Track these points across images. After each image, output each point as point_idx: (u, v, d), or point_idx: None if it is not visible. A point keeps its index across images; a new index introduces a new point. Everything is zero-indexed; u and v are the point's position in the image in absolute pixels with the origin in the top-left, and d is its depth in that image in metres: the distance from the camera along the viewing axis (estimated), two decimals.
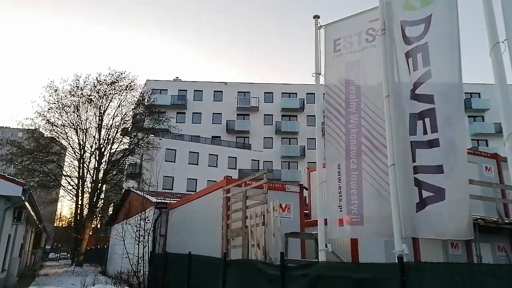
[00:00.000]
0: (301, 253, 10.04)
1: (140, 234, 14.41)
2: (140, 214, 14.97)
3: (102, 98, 33.01)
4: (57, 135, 32.14)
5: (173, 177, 39.79)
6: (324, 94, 7.07)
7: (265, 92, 49.66)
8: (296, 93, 49.53)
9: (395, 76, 5.63)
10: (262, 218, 7.53)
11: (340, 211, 6.09)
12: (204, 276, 9.57)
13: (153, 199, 15.47)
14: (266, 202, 7.61)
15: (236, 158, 44.30)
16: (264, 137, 47.74)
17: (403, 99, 5.46)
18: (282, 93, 49.58)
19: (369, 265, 4.94)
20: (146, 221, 14.57)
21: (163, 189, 33.88)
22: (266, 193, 7.67)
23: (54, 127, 31.74)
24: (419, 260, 7.92)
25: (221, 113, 48.62)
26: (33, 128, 31.57)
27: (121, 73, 33.69)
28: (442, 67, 5.20)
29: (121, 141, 35.51)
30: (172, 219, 14.27)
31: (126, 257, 14.92)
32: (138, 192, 18.35)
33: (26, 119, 32.57)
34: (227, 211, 9.33)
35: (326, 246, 6.02)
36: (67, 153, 34.19)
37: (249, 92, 49.63)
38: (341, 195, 6.13)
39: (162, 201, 15.19)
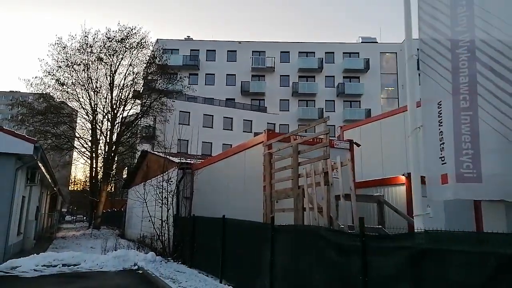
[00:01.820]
0: (352, 219, 8.74)
1: (164, 196, 13.29)
2: (162, 175, 13.79)
3: (113, 56, 31.27)
4: (68, 95, 30.79)
5: (187, 140, 38.74)
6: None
7: (281, 52, 47.23)
8: (314, 52, 47.02)
9: None
10: (324, 176, 6.13)
11: (443, 163, 4.62)
12: (242, 243, 8.37)
13: (176, 160, 14.22)
14: (328, 157, 6.18)
15: (251, 121, 42.73)
16: (280, 99, 45.91)
17: None
18: (299, 52, 47.10)
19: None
20: (169, 182, 13.40)
21: (177, 152, 32.87)
22: (328, 146, 6.21)
23: (64, 86, 30.33)
24: None
25: (235, 74, 46.61)
26: (42, 88, 30.23)
27: (132, 29, 31.73)
28: None
29: (133, 102, 34.11)
30: (198, 180, 13.04)
31: (149, 220, 13.91)
32: (157, 153, 17.11)
33: (35, 78, 31.18)
34: (270, 169, 7.95)
35: (426, 211, 4.59)
36: (79, 115, 33.00)
37: (264, 51, 47.25)
38: (443, 144, 4.64)
39: (186, 161, 13.92)
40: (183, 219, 12.82)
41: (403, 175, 9.70)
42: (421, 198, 4.73)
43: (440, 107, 4.72)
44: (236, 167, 10.25)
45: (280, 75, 46.52)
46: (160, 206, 13.62)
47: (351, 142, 9.17)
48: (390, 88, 46.40)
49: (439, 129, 4.68)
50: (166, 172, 13.65)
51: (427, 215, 4.59)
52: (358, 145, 9.09)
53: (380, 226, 6.94)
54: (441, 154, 4.63)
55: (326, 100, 45.51)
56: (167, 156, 14.74)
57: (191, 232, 11.55)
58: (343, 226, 5.78)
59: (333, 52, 46.86)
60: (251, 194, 9.38)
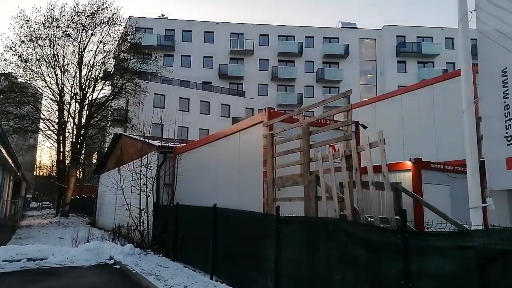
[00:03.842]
0: (381, 211, 7.93)
1: (143, 183, 12.07)
2: (140, 159, 12.53)
3: (81, 32, 28.95)
4: (32, 73, 28.29)
5: (162, 125, 37.05)
6: None
7: (260, 35, 45.86)
8: (293, 36, 45.97)
9: None
10: (346, 160, 5.21)
11: (509, 144, 3.80)
12: (238, 235, 7.41)
13: (156, 143, 12.97)
14: (350, 137, 5.26)
15: (229, 105, 41.38)
16: (259, 84, 44.76)
17: None
18: (278, 36, 45.89)
19: None
20: (149, 167, 12.17)
21: (152, 136, 31.24)
22: (350, 125, 5.28)
23: (27, 63, 27.82)
24: None
25: (212, 57, 44.91)
26: (3, 65, 27.61)
27: (103, 3, 29.41)
28: None
29: (104, 82, 31.97)
30: (181, 166, 11.88)
31: (126, 209, 12.67)
32: (134, 136, 15.73)
33: None
34: (272, 153, 6.97)
35: (485, 202, 3.77)
36: (44, 95, 30.58)
37: (243, 34, 45.73)
38: (510, 120, 3.81)
39: (168, 145, 12.71)
40: (165, 207, 11.69)
41: (409, 160, 9.00)
42: (478, 187, 3.90)
43: (506, 75, 3.86)
44: (228, 151, 9.19)
45: (259, 59, 45.26)
46: (138, 194, 12.41)
47: (356, 123, 8.32)
48: (368, 75, 46.24)
49: (504, 101, 3.84)
50: (145, 156, 12.39)
51: (489, 207, 3.77)
52: (365, 127, 8.24)
53: (398, 218, 6.14)
54: (507, 132, 3.80)
55: (305, 86, 44.79)
56: (146, 140, 13.43)
57: (174, 222, 10.47)
58: (372, 219, 4.93)
59: (313, 37, 45.99)
60: (246, 181, 8.38)
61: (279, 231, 6.09)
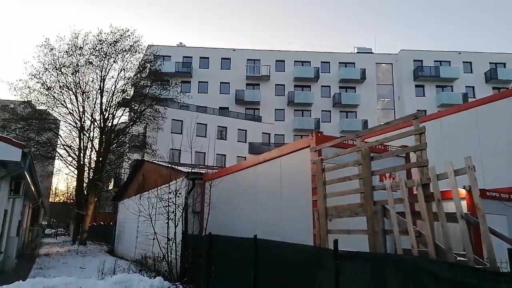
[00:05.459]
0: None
1: (171, 211, 11.58)
2: (168, 185, 12.11)
3: (104, 59, 29.46)
4: (54, 100, 28.64)
5: (180, 150, 36.89)
6: None
7: (276, 60, 46.21)
8: (309, 62, 46.17)
9: None
10: (424, 189, 4.69)
11: None
12: (285, 271, 6.80)
13: (184, 169, 12.58)
14: (427, 163, 4.76)
15: (246, 131, 41.28)
16: (276, 109, 44.67)
17: None
18: (294, 61, 46.15)
19: None
20: (178, 194, 11.72)
21: (170, 161, 31.00)
22: (425, 149, 4.79)
23: (50, 90, 28.24)
24: None
25: (229, 83, 45.24)
26: (26, 92, 28.04)
27: (125, 31, 30.02)
28: None
29: (124, 109, 32.24)
30: (211, 193, 11.41)
31: (149, 238, 12.15)
32: (159, 162, 15.42)
33: (19, 80, 29.04)
34: (323, 180, 6.47)
35: None
36: (65, 121, 30.85)
37: (259, 60, 46.14)
38: None
39: (197, 171, 12.31)
40: (195, 237, 11.14)
41: (464, 187, 8.36)
42: None
43: None
44: (267, 177, 8.71)
45: (275, 84, 45.41)
46: (165, 222, 11.91)
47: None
48: (386, 99, 45.82)
49: None
50: (174, 182, 11.97)
51: None
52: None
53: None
54: None
55: (322, 110, 44.52)
56: (174, 166, 13.08)
57: (207, 254, 9.89)
58: (462, 258, 4.35)
59: (328, 62, 46.12)
60: (288, 210, 7.85)
61: (338, 269, 5.50)
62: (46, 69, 28.33)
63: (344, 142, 6.91)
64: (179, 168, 12.92)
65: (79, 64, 28.94)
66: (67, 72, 28.55)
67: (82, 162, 29.32)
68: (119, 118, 32.17)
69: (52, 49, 28.65)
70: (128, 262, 15.21)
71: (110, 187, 42.45)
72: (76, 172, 29.98)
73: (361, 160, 5.74)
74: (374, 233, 5.25)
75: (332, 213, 6.24)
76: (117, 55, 29.81)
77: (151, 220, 12.03)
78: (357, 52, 48.10)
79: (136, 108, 31.68)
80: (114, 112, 30.42)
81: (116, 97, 30.28)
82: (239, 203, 10.18)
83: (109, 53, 29.55)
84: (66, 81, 28.67)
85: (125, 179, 25.23)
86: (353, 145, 6.93)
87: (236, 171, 10.55)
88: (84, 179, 29.88)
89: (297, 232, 7.52)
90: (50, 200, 64.22)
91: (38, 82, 28.11)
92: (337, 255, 5.51)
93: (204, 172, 12.50)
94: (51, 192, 61.43)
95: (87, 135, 29.66)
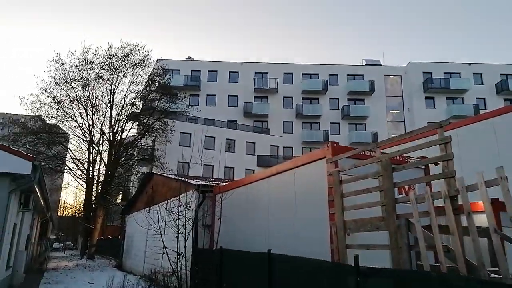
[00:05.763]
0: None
1: (181, 225, 11.34)
2: (178, 198, 11.90)
3: (114, 73, 29.73)
4: (64, 114, 28.89)
5: (189, 163, 36.77)
6: None
7: (284, 73, 46.29)
8: (317, 74, 46.17)
9: None
10: (452, 202, 4.43)
11: None
12: (301, 287, 6.52)
13: (194, 182, 12.39)
14: (454, 174, 4.51)
15: (254, 143, 41.10)
16: (284, 121, 44.51)
17: None
18: (302, 74, 46.20)
19: None
20: (188, 207, 11.50)
21: (179, 174, 30.89)
22: (451, 160, 4.55)
23: (60, 104, 28.49)
24: None
25: (237, 95, 45.33)
26: (37, 106, 28.33)
27: (135, 46, 30.36)
28: None
29: (133, 122, 32.38)
30: (222, 206, 11.18)
31: (158, 252, 11.89)
32: (169, 175, 15.27)
33: (30, 95, 29.40)
34: (341, 192, 6.23)
35: None
36: (75, 134, 31.02)
37: (267, 72, 46.26)
38: None
39: (207, 183, 12.11)
40: (206, 251, 10.88)
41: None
42: None
43: None
44: (280, 189, 8.48)
45: (284, 97, 45.38)
46: (174, 236, 11.66)
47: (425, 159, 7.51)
48: (395, 111, 45.45)
49: None
50: (185, 195, 11.77)
51: None
52: (436, 164, 7.42)
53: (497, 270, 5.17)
54: None
55: (331, 123, 44.27)
56: (183, 178, 12.90)
57: (218, 269, 9.62)
58: (495, 275, 4.06)
59: (337, 74, 46.06)
60: (303, 224, 7.58)
61: (359, 286, 5.21)
62: (57, 83, 28.70)
63: (361, 153, 6.68)
64: (189, 180, 12.73)
65: (89, 78, 29.28)
66: (77, 86, 28.89)
67: (91, 176, 29.33)
68: (128, 131, 32.29)
69: (63, 64, 29.08)
70: (137, 277, 14.92)
71: (119, 201, 42.37)
72: (85, 185, 29.97)
73: (381, 171, 5.49)
74: (398, 248, 4.97)
75: (350, 226, 5.97)
76: (127, 69, 30.13)
77: (161, 234, 11.78)
78: (366, 64, 48.01)
79: (145, 121, 31.80)
80: (123, 125, 30.58)
81: (126, 111, 30.46)
82: (251, 216, 9.93)
83: (119, 67, 29.86)
84: (76, 95, 28.96)
85: (134, 193, 25.10)
86: (370, 156, 6.70)
87: (248, 183, 10.33)
88: (93, 192, 29.86)
89: (312, 246, 7.24)
90: (59, 213, 64.36)
91: (48, 96, 28.48)
92: (358, 271, 5.24)
93: (214, 184, 12.29)
94: (59, 205, 61.63)
95: (96, 148, 29.77)
